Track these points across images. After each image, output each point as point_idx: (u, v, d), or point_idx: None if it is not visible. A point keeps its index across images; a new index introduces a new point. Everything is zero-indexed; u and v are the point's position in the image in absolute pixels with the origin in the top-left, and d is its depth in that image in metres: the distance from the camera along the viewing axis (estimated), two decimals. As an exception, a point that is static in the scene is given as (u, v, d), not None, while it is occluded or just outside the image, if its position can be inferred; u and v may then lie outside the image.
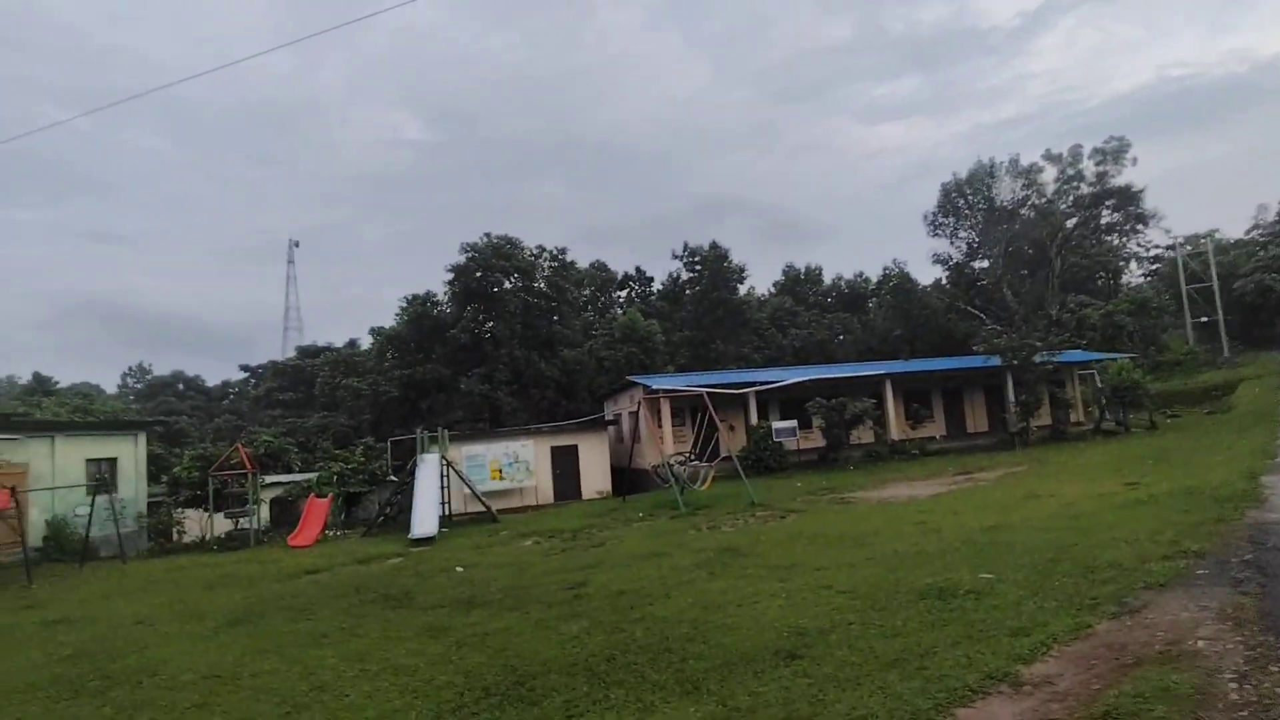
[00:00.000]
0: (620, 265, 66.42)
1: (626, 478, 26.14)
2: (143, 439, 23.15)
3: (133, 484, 22.53)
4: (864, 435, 29.03)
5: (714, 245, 47.55)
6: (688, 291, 49.25)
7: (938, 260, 52.58)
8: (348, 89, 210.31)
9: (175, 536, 21.10)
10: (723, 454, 20.96)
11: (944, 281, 53.19)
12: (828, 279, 63.38)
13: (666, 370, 40.50)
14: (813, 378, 28.98)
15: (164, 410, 61.61)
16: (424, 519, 17.22)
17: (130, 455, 22.74)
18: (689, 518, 16.86)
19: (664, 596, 8.96)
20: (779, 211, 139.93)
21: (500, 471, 26.88)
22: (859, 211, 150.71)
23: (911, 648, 5.91)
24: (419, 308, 37.57)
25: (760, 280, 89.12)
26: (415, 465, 19.67)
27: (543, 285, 40.82)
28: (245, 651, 8.10)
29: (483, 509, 21.17)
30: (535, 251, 40.71)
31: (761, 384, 27.70)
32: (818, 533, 12.71)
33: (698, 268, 49.38)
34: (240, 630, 9.23)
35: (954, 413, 34.16)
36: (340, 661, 7.38)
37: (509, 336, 36.85)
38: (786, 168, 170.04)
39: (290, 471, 26.18)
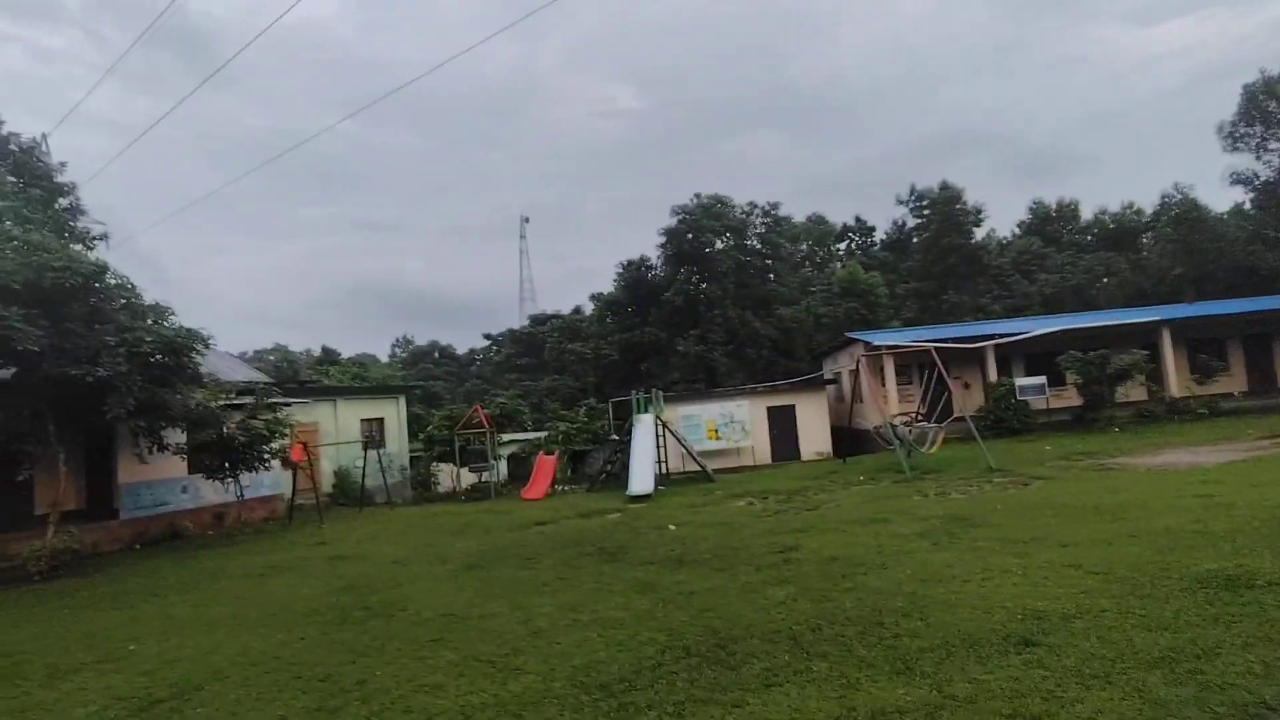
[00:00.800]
0: (840, 217, 63.07)
1: (846, 439, 25.00)
2: (403, 402, 26.53)
3: (397, 440, 25.94)
4: (1133, 392, 24.99)
5: (944, 186, 43.34)
6: (914, 239, 45.53)
7: (1238, 180, 42.96)
8: (563, 67, 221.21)
9: (431, 487, 23.94)
10: (955, 414, 19.11)
11: (1247, 206, 43.69)
12: (1086, 214, 55.12)
13: (891, 325, 37.95)
14: (1066, 327, 25.44)
15: (422, 376, 70.23)
16: (640, 477, 17.78)
17: (394, 416, 26.16)
18: (914, 483, 15.63)
19: (879, 566, 8.28)
20: (1021, 144, 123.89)
21: (716, 431, 27.03)
22: (1125, 133, 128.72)
23: (1184, 646, 4.82)
24: (634, 272, 38.73)
25: (1000, 222, 79.91)
26: (631, 425, 20.33)
27: (755, 243, 40.02)
28: (476, 594, 8.78)
29: (699, 469, 21.38)
30: (746, 209, 39.95)
31: (1002, 336, 24.83)
32: (1067, 503, 11.09)
33: (925, 213, 45.38)
34: (475, 574, 10.07)
35: (1259, 365, 28.22)
36: (555, 610, 7.71)
37: (722, 297, 36.74)
38: (1031, 92, 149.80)
39: (524, 431, 28.55)
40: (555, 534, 13.04)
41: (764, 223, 40.35)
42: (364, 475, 20.68)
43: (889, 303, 39.77)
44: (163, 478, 17.28)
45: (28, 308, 12.46)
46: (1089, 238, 54.07)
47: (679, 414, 26.63)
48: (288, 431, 17.11)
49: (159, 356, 14.25)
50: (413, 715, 5.19)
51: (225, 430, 15.34)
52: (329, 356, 44.89)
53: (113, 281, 14.29)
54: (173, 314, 15.08)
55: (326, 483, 23.51)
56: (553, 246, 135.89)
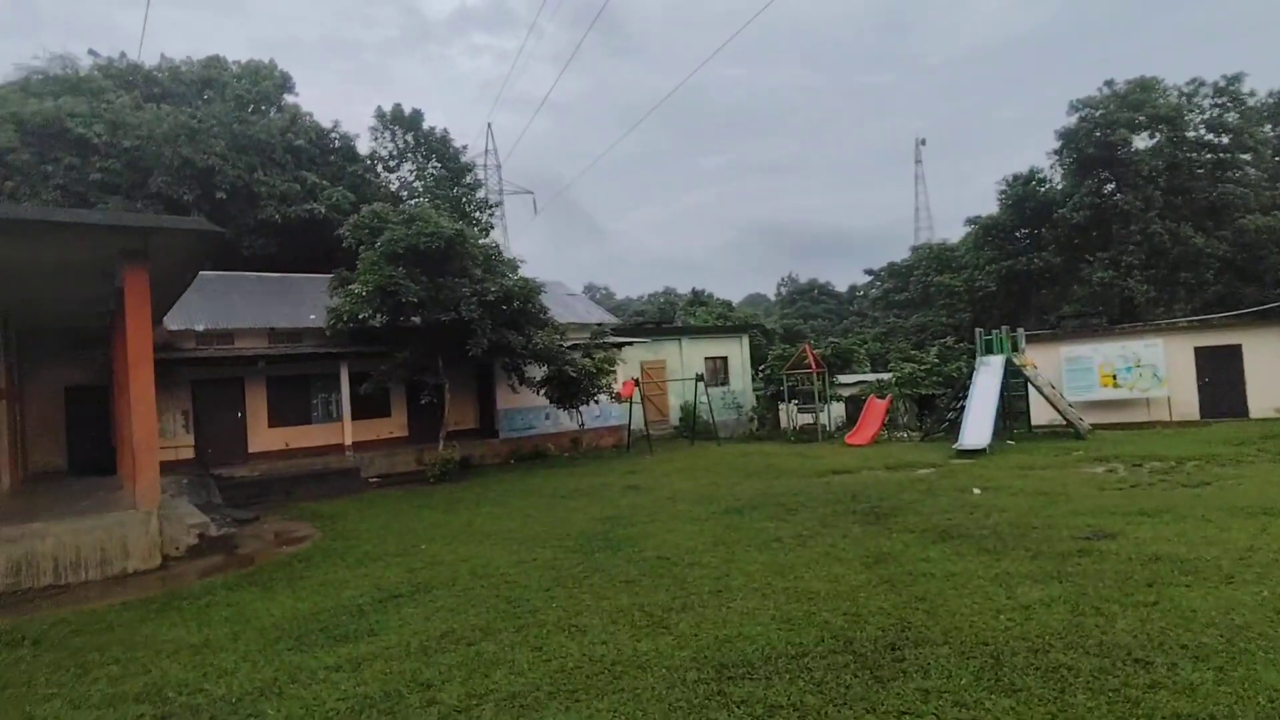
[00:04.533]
0: None
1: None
2: (745, 340, 26.89)
3: (740, 378, 26.49)
4: None
5: None
6: None
7: None
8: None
9: (766, 425, 23.99)
10: None
11: None
12: None
13: None
14: None
15: (800, 314, 70.42)
16: (974, 429, 15.16)
17: (738, 354, 26.70)
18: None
19: (1220, 581, 5.79)
20: None
21: (1114, 378, 21.79)
22: None
23: None
24: (1019, 189, 32.71)
25: None
26: (975, 369, 17.44)
27: (1202, 133, 30.51)
28: (706, 541, 8.47)
29: (1065, 422, 17.54)
30: (1186, 89, 30.46)
31: None
32: None
33: None
34: (725, 519, 9.73)
35: None
36: (760, 570, 7.02)
37: (1143, 209, 28.90)
38: None
39: (864, 372, 26.69)
40: (841, 486, 11.92)
41: (1215, 105, 30.29)
42: (694, 410, 21.63)
43: None
44: (530, 406, 20.39)
45: (410, 267, 15.54)
46: None
47: (1062, 355, 22.04)
48: (613, 369, 18.66)
49: (514, 304, 16.65)
50: (542, 655, 5.14)
51: (562, 366, 17.37)
52: (697, 297, 47.81)
53: (475, 243, 16.96)
54: (519, 266, 17.38)
55: (674, 416, 25.24)
56: (955, 168, 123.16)
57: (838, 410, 23.02)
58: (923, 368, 23.11)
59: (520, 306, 16.83)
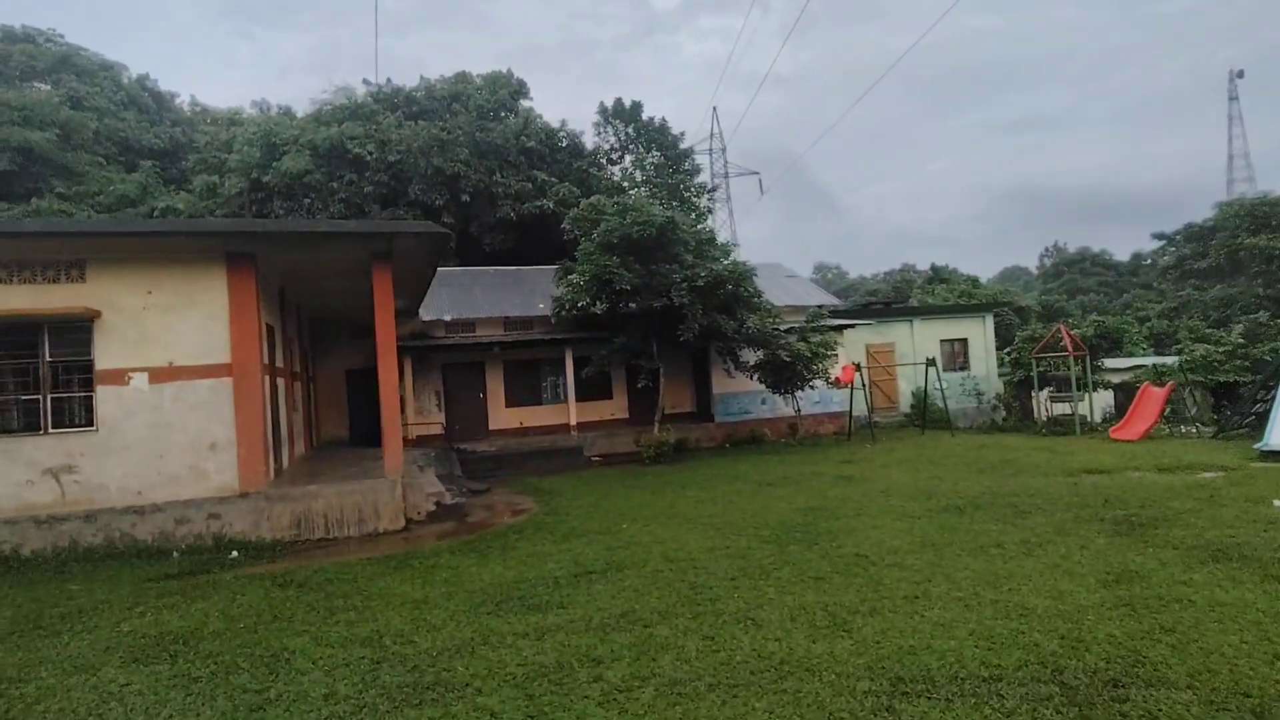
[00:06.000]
0: None
1: None
2: (989, 320, 24.18)
3: (982, 362, 23.95)
4: None
5: None
6: None
7: None
8: None
9: (1014, 414, 21.43)
10: None
11: None
12: None
13: None
14: None
15: (1069, 288, 62.15)
16: (1284, 425, 12.19)
17: (980, 336, 24.16)
18: None
19: None
20: None
21: None
22: None
23: None
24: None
25: None
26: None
27: None
28: (917, 541, 7.78)
29: None
30: None
31: None
32: None
33: None
34: (943, 518, 8.87)
35: None
36: (971, 578, 6.31)
37: None
38: None
39: (1150, 354, 22.52)
40: (1093, 488, 10.28)
41: None
42: (925, 395, 19.94)
43: None
44: (745, 390, 20.22)
45: (624, 256, 16.12)
46: None
47: None
48: (830, 353, 17.76)
49: (725, 288, 16.63)
50: (712, 644, 5.05)
51: (775, 350, 16.95)
52: (937, 274, 43.85)
53: (686, 229, 17.14)
54: (733, 250, 17.24)
55: (905, 403, 23.59)
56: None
57: (1105, 399, 19.91)
58: (1221, 349, 19.12)
59: (732, 290, 16.72)
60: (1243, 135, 75.03)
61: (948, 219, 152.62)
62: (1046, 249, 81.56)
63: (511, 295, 22.12)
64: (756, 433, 20.13)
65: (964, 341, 24.22)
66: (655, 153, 28.51)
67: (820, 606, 5.73)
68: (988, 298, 34.55)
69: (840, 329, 20.87)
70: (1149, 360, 20.85)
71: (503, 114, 28.85)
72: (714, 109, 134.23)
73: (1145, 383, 17.23)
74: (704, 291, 16.10)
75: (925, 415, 20.31)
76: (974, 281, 39.72)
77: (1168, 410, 16.37)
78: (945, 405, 19.78)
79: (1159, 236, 45.83)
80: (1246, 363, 18.57)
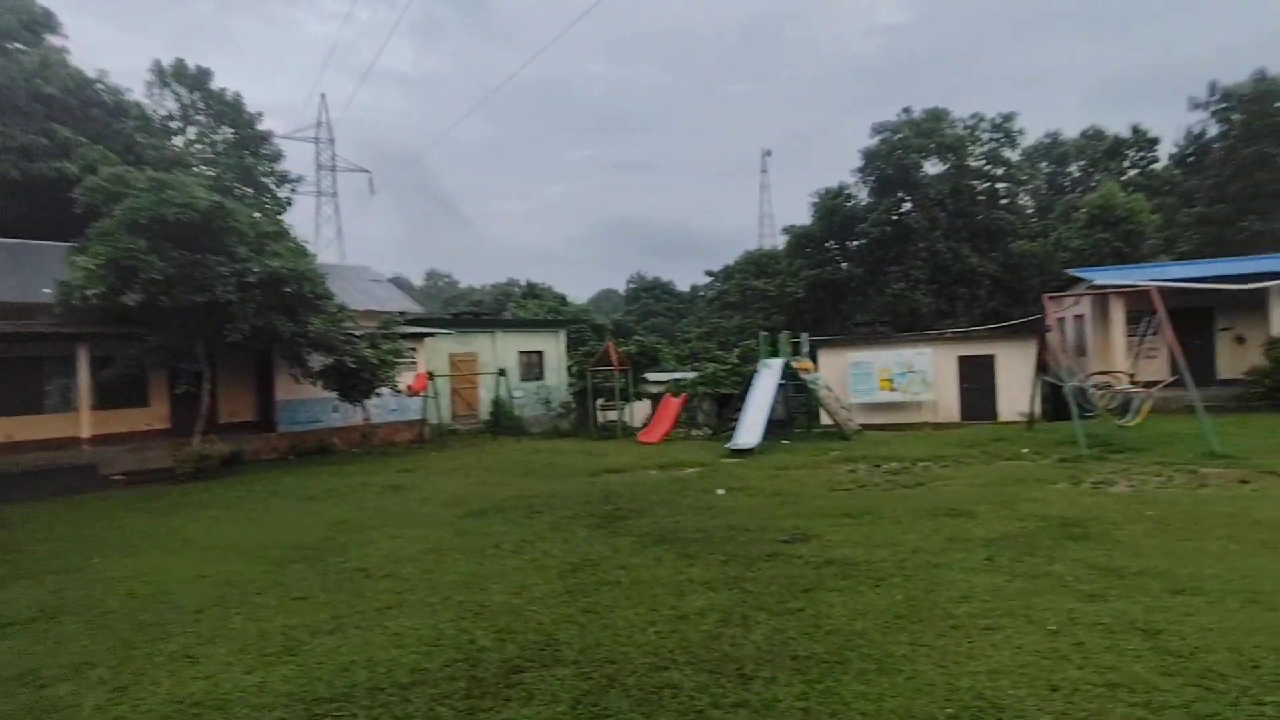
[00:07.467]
0: (1162, 130, 50.04)
1: (1057, 399, 20.53)
2: (563, 336, 26.72)
3: (555, 373, 26.25)
4: None
5: (1260, 77, 32.90)
6: (1211, 151, 35.59)
7: None
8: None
9: (583, 422, 23.95)
10: (1171, 376, 14.36)
11: None
12: None
13: (1158, 260, 30.22)
14: None
15: (642, 312, 71.52)
16: (746, 430, 15.81)
17: (555, 349, 26.44)
18: (1081, 463, 12.02)
19: (871, 584, 6.08)
20: None
21: (890, 383, 23.64)
22: None
23: None
24: (829, 202, 34.90)
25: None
26: (757, 371, 18.23)
27: (982, 163, 33.95)
28: (426, 549, 8.02)
29: (840, 423, 18.73)
30: (969, 123, 33.78)
31: (1292, 275, 18.16)
32: (1270, 519, 7.51)
33: (1233, 117, 34.97)
34: (461, 525, 9.32)
35: None
36: (455, 582, 6.67)
37: (929, 227, 31.76)
38: None
39: (671, 370, 27.40)
40: (604, 486, 11.90)
41: (993, 139, 33.83)
42: (498, 404, 21.13)
43: (1160, 233, 31.55)
44: (317, 397, 18.92)
45: (157, 240, 13.83)
46: None
47: (848, 360, 23.68)
48: (402, 361, 17.72)
49: (286, 288, 15.30)
50: (123, 694, 4.45)
51: (341, 356, 16.22)
52: (532, 290, 47.20)
53: (242, 218, 15.40)
54: (305, 245, 16.04)
55: (486, 410, 24.55)
56: (804, 179, 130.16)
57: (645, 408, 23.36)
58: (724, 367, 23.95)
59: (295, 291, 15.52)
60: (769, 200, 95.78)
61: (562, 240, 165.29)
62: (632, 276, 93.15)
63: (6, 275, 17.49)
64: (326, 442, 18.98)
65: (540, 354, 26.25)
66: (226, 129, 25.10)
67: (283, 630, 5.52)
68: (571, 315, 38.05)
69: (421, 336, 20.86)
70: (680, 375, 25.25)
71: (8, 45, 22.60)
72: (322, 96, 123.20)
73: (667, 394, 20.75)
74: (260, 289, 14.63)
75: (499, 422, 21.43)
76: (562, 299, 43.51)
77: (684, 416, 19.90)
78: (517, 413, 21.16)
79: (709, 274, 56.30)
80: (740, 378, 23.59)
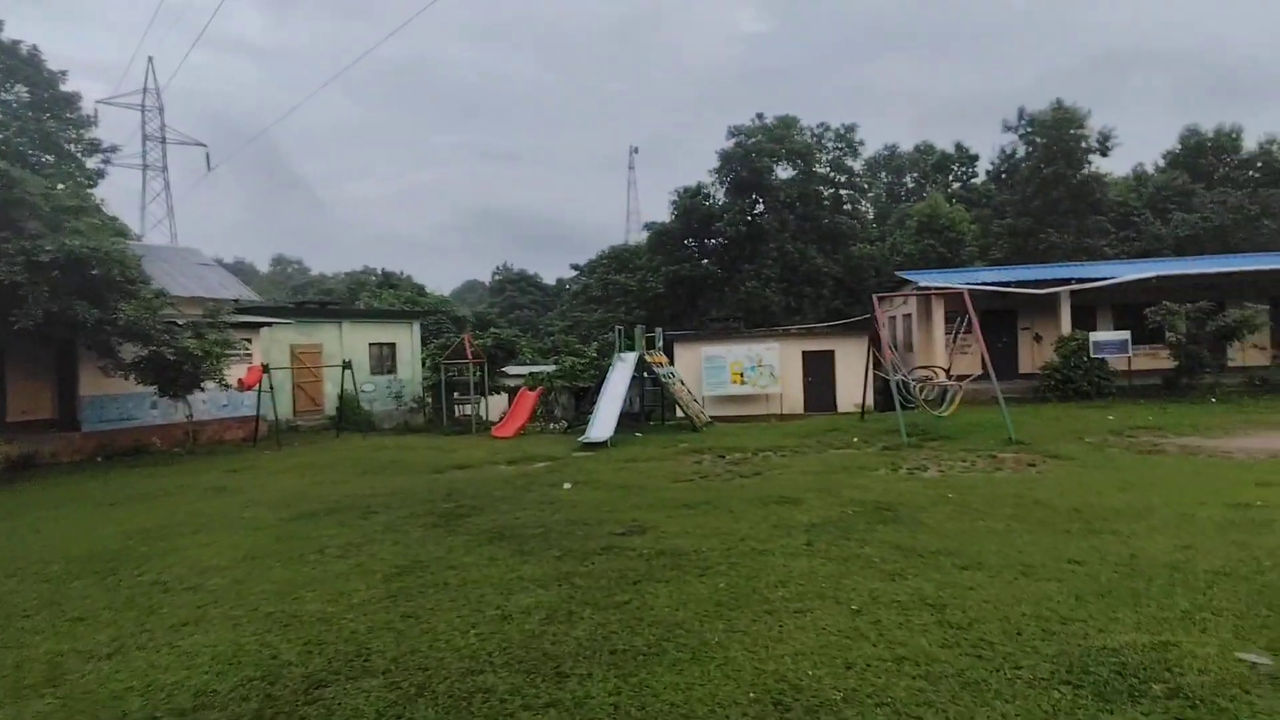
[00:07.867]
0: (983, 149, 55.21)
1: (875, 392, 22.15)
2: (417, 328, 25.73)
3: (409, 366, 25.24)
4: (1249, 356, 20.46)
5: (1058, 105, 37.14)
6: (1019, 169, 39.79)
7: None
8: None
9: (438, 416, 23.19)
10: (980, 371, 15.95)
11: None
12: (1250, 144, 46.08)
13: (974, 265, 33.46)
14: (1166, 273, 20.91)
15: (508, 304, 70.36)
16: (599, 424, 15.94)
17: (407, 342, 25.40)
18: (905, 451, 13.04)
19: (697, 573, 6.24)
20: (1211, 62, 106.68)
21: (741, 376, 24.63)
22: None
23: None
24: (688, 201, 35.85)
25: (1148, 154, 69.39)
26: (612, 364, 18.41)
27: (826, 170, 36.04)
28: (241, 556, 7.42)
29: (708, 413, 19.30)
30: (816, 132, 35.81)
31: (1081, 281, 20.71)
32: (1046, 499, 8.53)
33: (1036, 139, 39.29)
34: (286, 529, 8.71)
35: None
36: (268, 591, 6.20)
37: (779, 229, 33.40)
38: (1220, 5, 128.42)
39: (529, 364, 27.22)
40: (448, 483, 11.56)
41: (838, 148, 36.08)
42: (344, 399, 20.01)
43: (977, 241, 34.94)
44: (131, 393, 17.09)
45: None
46: (1252, 173, 45.55)
47: (703, 354, 24.43)
48: (230, 353, 16.34)
49: (89, 270, 13.65)
50: None
51: (156, 348, 14.70)
52: (388, 279, 45.19)
53: (34, 189, 13.60)
54: (95, 221, 14.39)
55: (331, 405, 23.18)
56: (669, 178, 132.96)
57: (502, 402, 22.96)
58: (583, 361, 24.01)
59: (103, 274, 13.89)
60: (637, 197, 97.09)
61: (427, 228, 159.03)
62: (498, 267, 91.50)
63: None
64: (143, 442, 17.19)
65: (393, 346, 25.12)
66: (21, 88, 21.95)
67: (48, 658, 4.91)
68: (429, 306, 36.76)
69: (256, 326, 19.35)
70: (538, 368, 25.02)
71: None
72: (149, 59, 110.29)
73: (523, 387, 20.52)
74: (57, 270, 12.95)
75: (342, 418, 20.30)
76: (420, 289, 41.97)
77: (541, 410, 19.75)
78: (364, 407, 20.14)
79: (575, 267, 56.16)
80: (597, 372, 23.75)
